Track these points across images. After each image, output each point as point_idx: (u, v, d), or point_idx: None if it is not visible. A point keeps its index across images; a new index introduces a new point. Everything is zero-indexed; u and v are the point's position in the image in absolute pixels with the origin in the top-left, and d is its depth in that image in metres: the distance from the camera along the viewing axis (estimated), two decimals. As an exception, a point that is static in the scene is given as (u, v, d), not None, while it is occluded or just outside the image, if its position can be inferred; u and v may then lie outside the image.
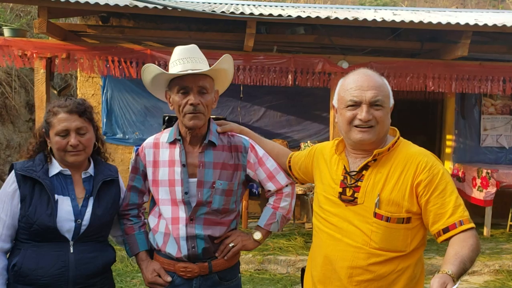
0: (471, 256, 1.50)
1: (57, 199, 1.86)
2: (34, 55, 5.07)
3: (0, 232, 1.85)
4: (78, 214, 1.89)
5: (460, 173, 6.56)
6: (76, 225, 1.87)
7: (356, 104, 1.68)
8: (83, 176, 1.98)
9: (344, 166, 1.78)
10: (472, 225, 1.58)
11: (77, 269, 1.85)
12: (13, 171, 1.89)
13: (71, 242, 1.87)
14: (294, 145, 6.74)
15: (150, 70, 1.98)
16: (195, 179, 1.94)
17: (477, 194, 6.07)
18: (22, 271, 1.81)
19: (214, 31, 5.99)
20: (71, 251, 1.86)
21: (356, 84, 1.69)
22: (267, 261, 5.05)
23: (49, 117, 1.92)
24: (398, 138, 1.75)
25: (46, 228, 1.81)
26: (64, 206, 1.87)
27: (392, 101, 1.76)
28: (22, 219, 1.85)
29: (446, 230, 1.58)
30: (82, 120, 1.92)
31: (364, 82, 1.69)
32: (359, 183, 1.71)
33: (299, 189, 5.51)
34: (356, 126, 1.68)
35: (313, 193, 5.96)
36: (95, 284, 1.92)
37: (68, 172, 1.94)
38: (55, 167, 1.93)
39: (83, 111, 1.93)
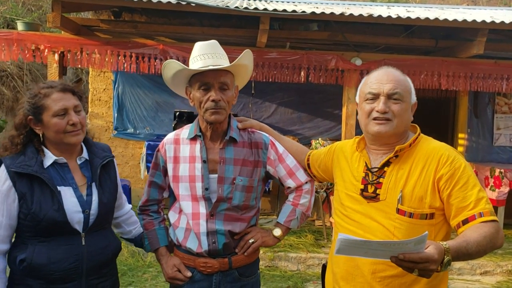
0: (479, 240, 1.47)
1: (59, 191, 1.76)
2: (47, 49, 5.08)
3: None
4: (85, 204, 1.81)
5: (472, 172, 6.49)
6: (84, 216, 1.80)
7: (374, 97, 1.70)
8: (78, 162, 1.88)
9: (366, 163, 1.78)
10: (493, 217, 1.55)
11: (90, 261, 1.81)
12: (3, 168, 1.74)
13: (82, 234, 1.80)
14: (305, 142, 6.71)
15: (171, 66, 1.96)
16: (216, 175, 1.93)
17: (490, 194, 6.01)
18: (33, 266, 1.72)
19: (226, 27, 5.97)
20: (83, 243, 1.80)
21: (376, 79, 1.73)
22: (278, 258, 5.05)
23: (40, 100, 1.78)
24: (419, 134, 1.76)
25: (55, 223, 1.73)
26: (68, 197, 1.78)
27: (414, 98, 1.77)
28: (26, 218, 1.73)
29: (465, 221, 1.57)
30: (76, 98, 1.85)
31: (384, 76, 1.72)
32: (381, 180, 1.71)
33: (310, 186, 5.50)
34: (374, 119, 1.69)
35: (324, 191, 5.92)
36: (105, 275, 1.89)
37: (63, 160, 1.83)
38: (49, 158, 1.80)
39: (74, 89, 1.86)
